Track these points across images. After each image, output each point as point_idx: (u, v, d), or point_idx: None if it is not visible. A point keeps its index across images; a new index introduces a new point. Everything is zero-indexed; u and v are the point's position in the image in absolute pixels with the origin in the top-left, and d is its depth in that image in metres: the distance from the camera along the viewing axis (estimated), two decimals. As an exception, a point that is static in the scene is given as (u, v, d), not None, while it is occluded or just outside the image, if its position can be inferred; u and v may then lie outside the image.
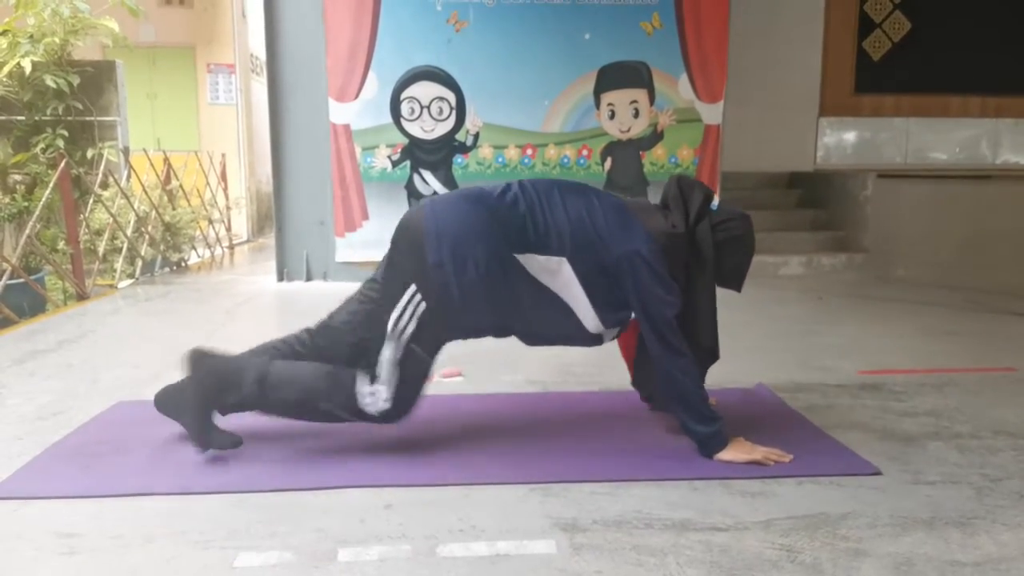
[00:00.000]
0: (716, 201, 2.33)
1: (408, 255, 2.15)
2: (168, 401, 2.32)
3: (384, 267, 2.27)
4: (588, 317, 2.23)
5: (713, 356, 2.40)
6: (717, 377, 3.02)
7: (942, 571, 1.65)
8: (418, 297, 2.13)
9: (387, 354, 2.15)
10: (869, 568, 1.66)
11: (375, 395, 2.17)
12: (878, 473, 2.17)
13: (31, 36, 6.21)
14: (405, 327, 2.14)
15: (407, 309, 2.14)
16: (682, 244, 2.24)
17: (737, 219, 2.33)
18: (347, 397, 2.18)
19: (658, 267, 2.17)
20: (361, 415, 2.20)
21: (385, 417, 2.19)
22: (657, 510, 1.94)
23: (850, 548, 1.75)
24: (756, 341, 3.90)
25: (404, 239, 2.18)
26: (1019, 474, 2.19)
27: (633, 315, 2.25)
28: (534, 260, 2.17)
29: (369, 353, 2.20)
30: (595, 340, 2.30)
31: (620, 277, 2.18)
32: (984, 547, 1.76)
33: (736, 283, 2.39)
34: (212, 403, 2.19)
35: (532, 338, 2.33)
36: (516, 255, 2.16)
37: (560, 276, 2.18)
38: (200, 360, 2.21)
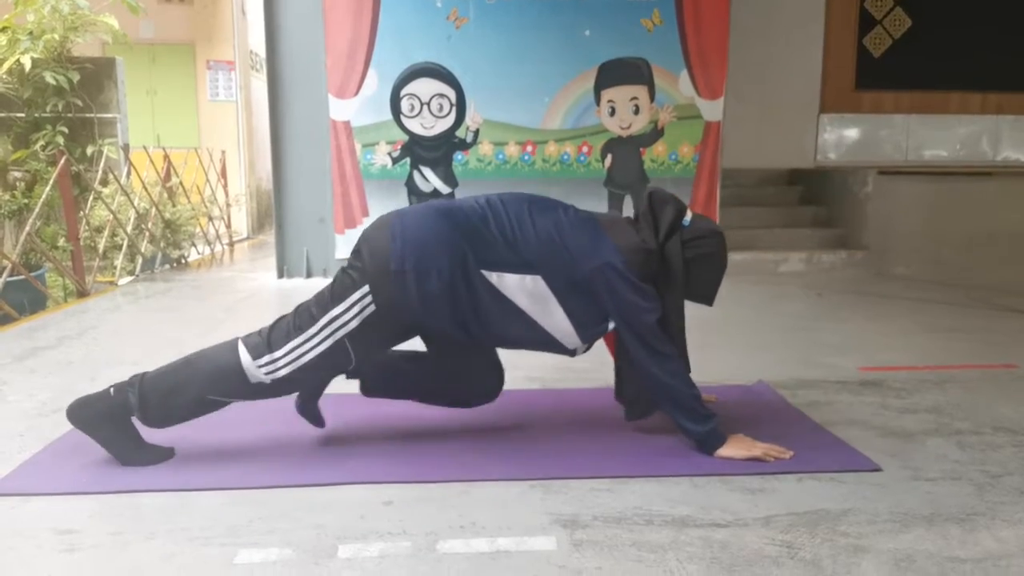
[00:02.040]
0: (689, 216, 2.31)
1: (370, 260, 2.12)
2: (81, 417, 2.18)
3: (338, 273, 2.22)
4: (566, 335, 2.20)
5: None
6: (718, 374, 3.02)
7: (942, 567, 1.65)
8: (369, 299, 2.10)
9: (311, 336, 2.11)
10: (869, 564, 1.66)
11: (271, 364, 2.11)
12: (878, 469, 2.16)
13: (31, 33, 6.20)
14: (347, 323, 2.11)
15: (354, 307, 2.10)
16: (652, 260, 2.22)
17: (709, 236, 2.29)
18: (234, 378, 2.11)
19: (631, 277, 2.15)
20: (247, 392, 2.14)
21: (273, 387, 2.13)
22: (657, 506, 1.94)
23: (850, 544, 1.75)
24: (756, 338, 3.90)
25: (367, 246, 2.15)
26: (1019, 470, 2.19)
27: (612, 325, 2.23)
28: (506, 279, 2.14)
29: (279, 324, 2.16)
30: (567, 353, 2.28)
31: (595, 292, 2.16)
32: (984, 543, 1.76)
33: (706, 299, 2.37)
34: (123, 440, 2.17)
35: (498, 344, 2.31)
36: (484, 271, 2.13)
37: (537, 296, 2.16)
38: (80, 412, 2.15)
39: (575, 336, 2.22)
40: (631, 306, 2.16)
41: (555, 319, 2.19)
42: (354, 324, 2.11)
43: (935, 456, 2.29)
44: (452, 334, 2.21)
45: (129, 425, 2.17)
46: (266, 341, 2.13)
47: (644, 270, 2.20)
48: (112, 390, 2.16)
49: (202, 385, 2.13)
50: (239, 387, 2.13)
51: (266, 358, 2.11)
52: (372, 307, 2.11)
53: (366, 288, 2.10)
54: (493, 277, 2.14)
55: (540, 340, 2.23)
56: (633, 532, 1.80)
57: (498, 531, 1.81)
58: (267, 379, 2.12)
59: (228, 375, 2.12)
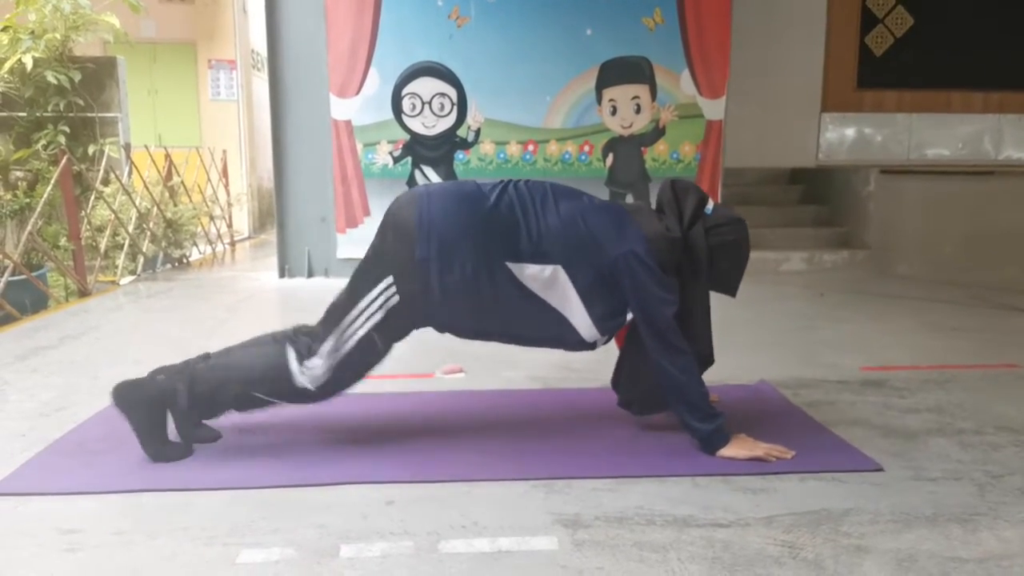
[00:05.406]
0: (711, 205, 2.31)
1: (395, 244, 2.13)
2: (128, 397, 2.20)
3: (367, 254, 2.23)
4: (584, 326, 2.21)
5: (708, 361, 2.38)
6: (720, 374, 3.01)
7: (944, 567, 1.65)
8: (393, 289, 2.12)
9: (342, 333, 2.14)
10: (871, 564, 1.66)
11: (312, 369, 2.15)
12: (880, 469, 2.16)
13: (32, 32, 6.21)
14: (372, 315, 2.13)
15: (379, 299, 2.13)
16: (676, 248, 2.22)
17: (731, 224, 2.30)
18: (282, 380, 2.16)
19: (654, 267, 2.15)
20: (292, 395, 2.18)
21: (318, 391, 2.17)
22: (659, 506, 1.94)
23: (852, 544, 1.75)
24: (758, 338, 3.90)
25: (393, 228, 2.15)
26: (1021, 470, 2.18)
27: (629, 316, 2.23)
28: (526, 270, 2.14)
29: (317, 328, 2.19)
30: (587, 347, 2.28)
31: (616, 280, 2.16)
32: (986, 543, 1.76)
33: (730, 288, 2.37)
34: (157, 428, 2.19)
35: (517, 341, 2.31)
36: (507, 263, 2.14)
37: (555, 287, 2.16)
38: (128, 392, 2.17)
39: (594, 328, 2.21)
40: (651, 297, 2.15)
41: (575, 310, 2.18)
42: (379, 316, 2.14)
43: (937, 456, 2.28)
44: (467, 331, 2.23)
45: (164, 417, 2.20)
46: (307, 346, 2.17)
47: (668, 258, 2.20)
48: (162, 376, 2.19)
49: (251, 383, 2.17)
50: (286, 389, 2.17)
51: (307, 363, 2.15)
52: (396, 297, 2.13)
53: (390, 279, 2.12)
54: (515, 268, 2.14)
55: (559, 335, 2.23)
56: (635, 532, 1.80)
57: (500, 531, 1.81)
58: (311, 385, 2.16)
59: (277, 377, 2.16)
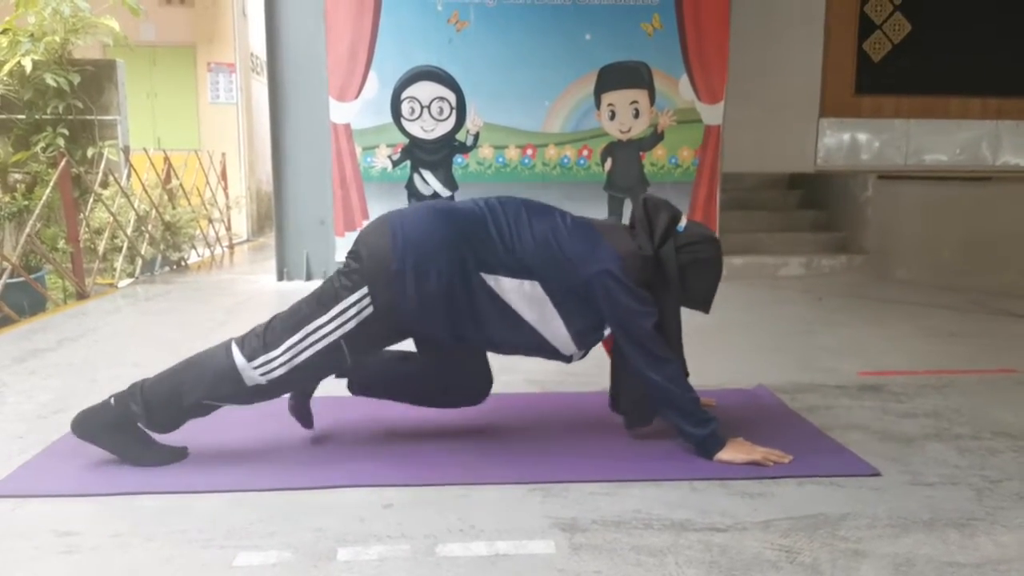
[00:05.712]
0: (684, 222, 2.30)
1: (369, 260, 2.11)
2: (86, 429, 2.19)
3: (341, 267, 2.21)
4: (561, 340, 2.20)
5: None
6: (717, 378, 3.02)
7: (941, 572, 1.65)
8: (368, 300, 2.10)
9: (307, 335, 2.11)
10: (868, 569, 1.66)
11: (267, 364, 2.11)
12: (877, 474, 2.16)
13: (32, 35, 6.22)
14: (344, 323, 2.11)
15: (353, 308, 2.10)
16: (648, 266, 2.21)
17: (703, 242, 2.29)
18: (231, 382, 2.12)
19: (628, 282, 2.15)
20: (245, 394, 2.14)
21: (270, 386, 2.13)
22: (656, 510, 1.94)
23: (849, 549, 1.75)
24: (756, 342, 3.90)
25: (366, 247, 2.14)
26: (1019, 475, 2.19)
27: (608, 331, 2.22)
28: (505, 283, 2.14)
29: (274, 324, 2.15)
30: (563, 359, 2.28)
31: (592, 298, 2.16)
32: (984, 548, 1.76)
33: (703, 305, 2.35)
34: (132, 445, 2.18)
35: (495, 349, 2.30)
36: (483, 274, 2.13)
37: (534, 300, 2.15)
38: (84, 425, 2.16)
39: (571, 342, 2.22)
40: (629, 311, 2.16)
41: (552, 325, 2.19)
42: (351, 325, 2.11)
43: (935, 461, 2.29)
44: (445, 338, 2.21)
45: (135, 429, 2.17)
46: (262, 341, 2.13)
47: (641, 275, 2.20)
48: (112, 400, 2.17)
49: (199, 390, 2.13)
50: (235, 390, 2.13)
51: (261, 359, 2.11)
52: (370, 308, 2.11)
53: (365, 289, 2.10)
54: (491, 280, 2.14)
55: (536, 345, 2.23)
56: (632, 536, 1.80)
57: (497, 534, 1.81)
58: (263, 380, 2.12)
59: (224, 379, 2.12)
